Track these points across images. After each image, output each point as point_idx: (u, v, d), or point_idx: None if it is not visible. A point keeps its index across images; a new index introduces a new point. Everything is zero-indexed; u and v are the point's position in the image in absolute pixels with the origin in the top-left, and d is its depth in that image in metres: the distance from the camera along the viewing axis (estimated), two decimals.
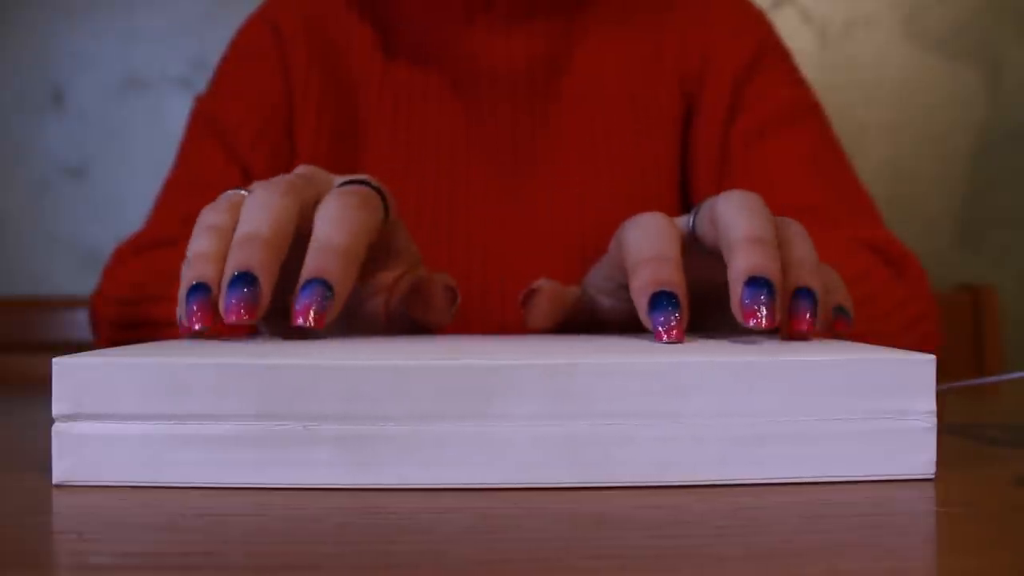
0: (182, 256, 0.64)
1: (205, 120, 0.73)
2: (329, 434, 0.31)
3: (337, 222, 0.39)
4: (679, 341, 0.36)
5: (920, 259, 0.67)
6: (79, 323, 1.05)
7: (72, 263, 1.19)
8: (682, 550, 0.25)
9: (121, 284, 0.63)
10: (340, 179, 0.43)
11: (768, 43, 0.73)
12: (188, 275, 0.37)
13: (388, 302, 0.46)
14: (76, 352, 0.34)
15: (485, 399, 0.31)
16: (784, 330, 0.37)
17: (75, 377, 0.31)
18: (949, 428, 0.42)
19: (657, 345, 0.36)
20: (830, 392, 0.32)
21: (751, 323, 0.36)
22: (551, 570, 0.23)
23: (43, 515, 0.29)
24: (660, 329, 0.36)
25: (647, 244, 0.39)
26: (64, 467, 0.31)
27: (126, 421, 0.31)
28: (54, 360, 0.32)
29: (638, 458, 0.31)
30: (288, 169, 0.71)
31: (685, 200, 0.72)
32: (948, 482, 0.32)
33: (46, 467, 0.32)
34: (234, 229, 0.39)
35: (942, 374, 0.34)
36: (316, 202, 0.41)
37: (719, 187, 0.70)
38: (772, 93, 0.71)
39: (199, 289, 0.36)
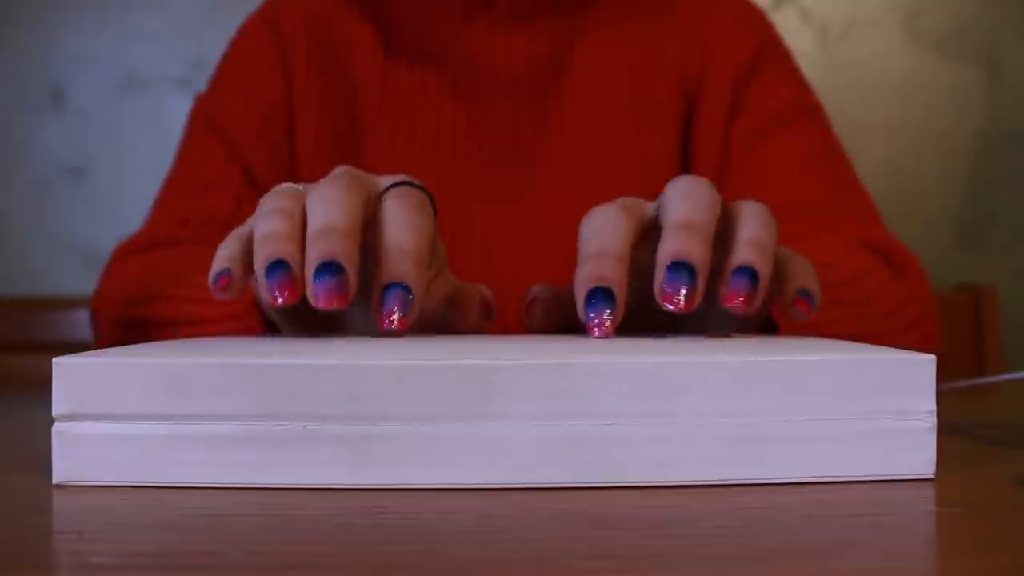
0: (183, 255, 0.64)
1: (205, 119, 0.73)
2: (329, 434, 0.31)
3: (405, 227, 0.39)
4: (609, 336, 0.37)
5: (920, 259, 0.67)
6: (79, 323, 1.05)
7: (72, 263, 1.19)
8: (681, 550, 0.25)
9: (122, 283, 0.63)
10: (386, 180, 0.43)
11: (769, 43, 0.73)
12: (262, 253, 0.37)
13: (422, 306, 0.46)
14: (76, 352, 0.34)
15: (485, 399, 0.31)
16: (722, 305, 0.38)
17: (75, 377, 0.31)
18: (949, 428, 0.42)
19: (656, 345, 0.36)
20: (830, 392, 0.32)
21: (668, 307, 0.37)
22: (550, 570, 0.23)
23: (43, 515, 0.29)
24: (592, 324, 0.37)
25: (594, 239, 0.39)
26: (64, 467, 0.31)
27: (126, 421, 0.31)
28: (54, 360, 0.32)
29: (637, 458, 0.31)
30: (289, 168, 0.71)
31: None
32: (948, 482, 0.32)
33: (46, 467, 0.32)
34: (301, 216, 0.39)
35: (942, 374, 0.34)
36: (368, 200, 0.41)
37: (720, 187, 0.70)
38: (773, 93, 0.71)
39: (278, 266, 0.37)
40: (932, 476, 0.32)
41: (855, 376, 0.32)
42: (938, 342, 0.65)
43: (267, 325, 0.52)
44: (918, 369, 0.32)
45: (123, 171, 1.19)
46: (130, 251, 0.68)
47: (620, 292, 0.37)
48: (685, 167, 0.73)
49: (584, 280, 0.38)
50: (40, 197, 1.19)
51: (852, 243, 0.64)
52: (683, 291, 0.36)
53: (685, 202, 0.39)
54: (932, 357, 0.32)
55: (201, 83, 0.77)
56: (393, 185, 0.43)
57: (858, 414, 0.32)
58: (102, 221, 1.18)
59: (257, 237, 0.38)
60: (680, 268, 0.36)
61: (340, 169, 0.43)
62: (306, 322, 0.47)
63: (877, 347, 0.36)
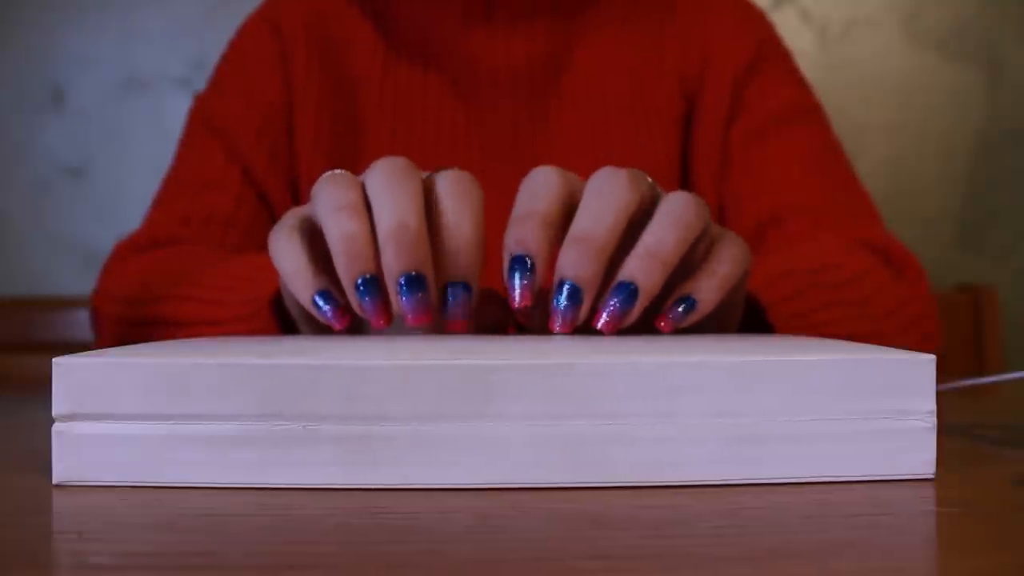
0: (186, 255, 0.64)
1: (204, 118, 0.73)
2: (329, 434, 0.31)
3: (464, 215, 0.38)
4: (526, 306, 0.37)
5: (920, 259, 0.67)
6: (79, 323, 1.05)
7: (72, 263, 1.19)
8: (681, 550, 0.25)
9: (126, 282, 0.63)
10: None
11: (768, 44, 0.74)
12: (349, 266, 0.37)
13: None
14: (76, 352, 0.34)
15: (485, 399, 0.31)
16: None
17: (75, 377, 0.31)
18: (949, 428, 0.42)
19: (656, 345, 0.36)
20: (830, 392, 0.32)
21: (554, 329, 0.37)
22: (550, 570, 0.23)
23: (43, 515, 0.29)
24: (512, 295, 0.37)
25: (520, 201, 0.39)
26: (64, 467, 0.31)
27: (126, 421, 0.31)
28: (54, 360, 0.32)
29: (637, 458, 0.31)
30: (289, 167, 0.71)
31: None
32: (948, 482, 0.32)
33: (46, 467, 0.32)
34: (364, 206, 0.38)
35: (942, 374, 0.34)
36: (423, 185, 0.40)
37: (720, 187, 0.70)
38: (772, 93, 0.71)
39: (372, 285, 0.36)
40: (932, 476, 0.32)
41: (855, 376, 0.32)
42: (938, 341, 0.65)
43: (281, 328, 0.52)
44: (918, 369, 0.32)
45: (123, 171, 1.19)
46: (130, 250, 0.68)
47: (540, 257, 0.37)
48: (685, 168, 0.73)
49: (506, 246, 0.38)
50: (40, 197, 1.19)
51: (852, 243, 0.64)
52: (561, 313, 0.36)
53: (591, 203, 0.38)
54: (932, 357, 0.32)
55: (202, 83, 0.77)
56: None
57: (858, 414, 0.32)
58: (102, 221, 1.18)
59: (335, 240, 0.37)
60: (561, 289, 0.36)
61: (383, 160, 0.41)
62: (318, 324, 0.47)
63: (877, 347, 0.36)
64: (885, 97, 1.20)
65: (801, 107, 0.72)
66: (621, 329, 0.38)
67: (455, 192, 0.39)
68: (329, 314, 0.38)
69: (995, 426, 0.44)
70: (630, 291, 0.37)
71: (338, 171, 0.41)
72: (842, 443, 0.32)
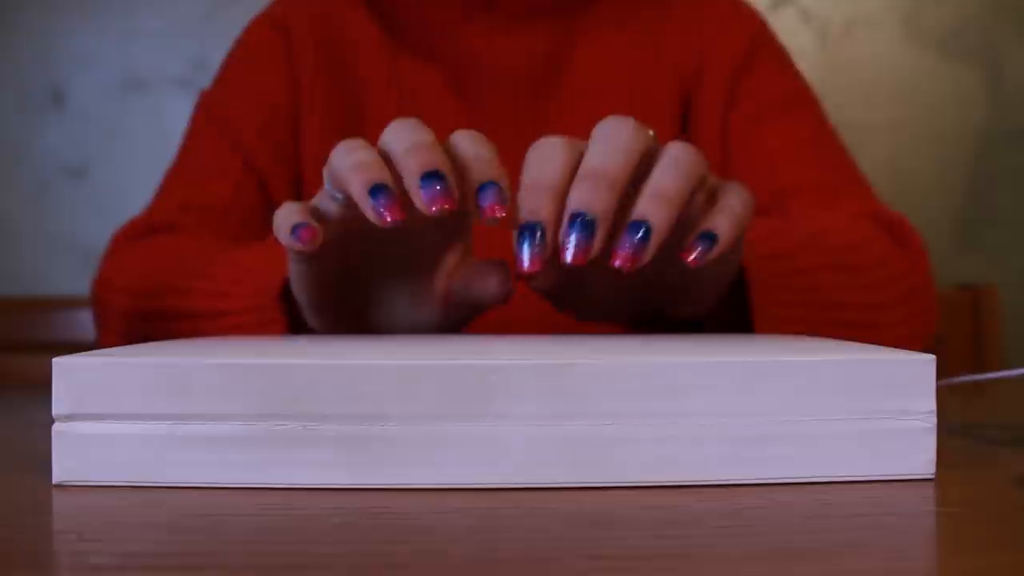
0: (190, 246, 0.64)
1: (208, 112, 0.74)
2: (329, 434, 0.31)
3: (479, 142, 0.40)
4: (536, 270, 0.38)
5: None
6: (79, 323, 1.05)
7: (72, 263, 1.19)
8: (682, 550, 0.25)
9: (126, 272, 0.64)
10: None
11: (762, 37, 0.76)
12: (361, 178, 0.38)
13: (449, 284, 0.47)
14: (76, 352, 0.34)
15: (485, 399, 0.31)
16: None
17: (75, 377, 0.31)
18: (949, 428, 0.42)
19: (656, 345, 0.36)
20: (830, 392, 0.32)
21: (564, 260, 0.38)
22: (551, 570, 0.23)
23: (43, 515, 0.29)
24: (520, 262, 0.38)
25: (529, 170, 0.40)
26: (64, 467, 0.31)
27: (126, 421, 0.31)
28: (54, 360, 0.32)
29: (638, 458, 0.31)
30: (295, 166, 0.72)
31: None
32: (948, 482, 0.32)
33: (46, 467, 0.32)
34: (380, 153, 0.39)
35: (942, 374, 0.34)
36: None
37: (723, 175, 0.71)
38: (769, 82, 0.73)
39: (381, 188, 0.37)
40: (932, 476, 0.32)
41: (855, 376, 0.32)
42: (936, 315, 0.66)
43: (288, 319, 0.52)
44: (918, 369, 0.32)
45: (123, 171, 1.19)
46: (130, 236, 0.69)
47: (550, 224, 0.38)
48: None
49: (520, 202, 0.39)
50: (40, 197, 1.19)
51: (857, 216, 0.65)
52: (573, 244, 0.37)
53: (599, 146, 0.39)
54: (932, 357, 0.32)
55: (202, 83, 0.78)
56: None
57: (858, 414, 0.32)
58: (102, 221, 1.18)
59: (345, 169, 0.38)
60: (574, 222, 0.37)
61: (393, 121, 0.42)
62: (338, 315, 0.48)
63: (877, 347, 0.36)
64: (885, 97, 1.20)
65: (797, 95, 0.74)
66: (624, 330, 0.39)
67: (471, 135, 0.40)
68: (383, 203, 0.38)
69: (995, 426, 0.44)
70: (645, 229, 0.38)
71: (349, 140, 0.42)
72: (843, 443, 0.32)
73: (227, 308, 0.55)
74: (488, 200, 0.38)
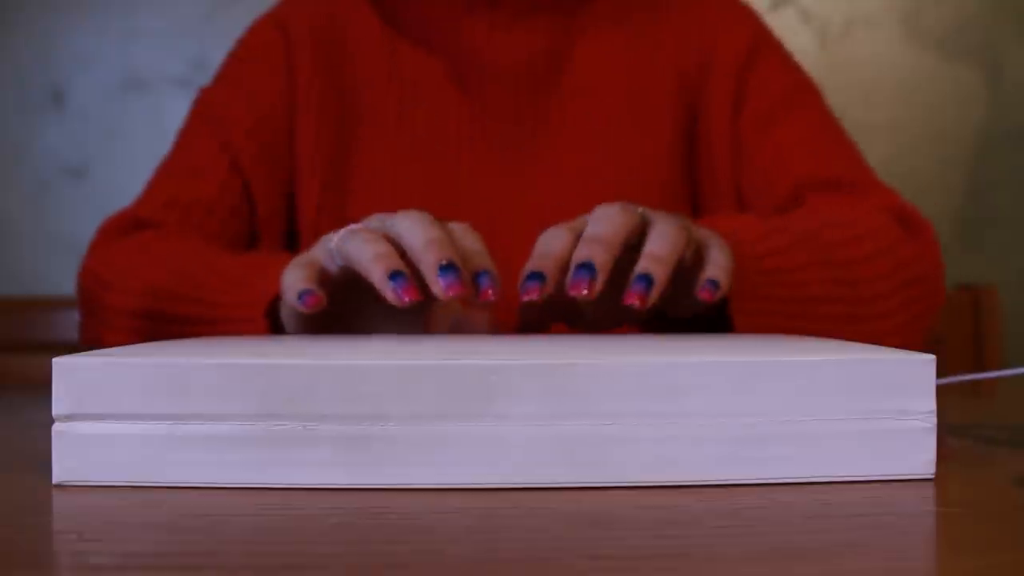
0: (182, 249, 0.66)
1: (203, 109, 0.74)
2: (329, 434, 0.31)
3: (471, 234, 0.49)
4: (534, 298, 0.45)
5: None
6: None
7: (72, 263, 1.18)
8: (681, 550, 0.25)
9: (108, 266, 0.65)
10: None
11: (761, 34, 0.77)
12: (381, 267, 0.44)
13: (435, 319, 0.54)
14: (76, 352, 0.34)
15: (485, 399, 0.31)
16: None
17: (75, 377, 0.31)
18: (949, 428, 0.42)
19: (656, 345, 0.36)
20: (830, 392, 0.32)
21: (574, 295, 0.45)
22: (551, 570, 0.23)
23: (43, 515, 0.29)
24: (523, 294, 0.45)
25: (536, 250, 0.48)
26: (64, 467, 0.31)
27: (126, 421, 0.31)
28: (54, 360, 0.32)
29: (637, 458, 0.31)
30: (282, 166, 0.73)
31: (695, 191, 0.74)
32: (948, 482, 0.32)
33: (46, 467, 0.32)
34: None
35: (942, 373, 0.34)
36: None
37: (738, 174, 0.73)
38: (774, 79, 0.74)
39: (398, 275, 0.44)
40: (932, 476, 0.32)
41: (855, 376, 0.32)
42: (941, 301, 0.68)
43: (274, 328, 0.54)
44: (918, 369, 0.32)
45: (123, 171, 1.19)
46: (115, 229, 0.70)
47: (550, 276, 0.46)
48: (687, 158, 0.74)
49: (523, 272, 0.47)
50: (40, 197, 1.19)
51: (871, 207, 0.66)
52: (585, 284, 0.45)
53: (596, 223, 0.47)
54: (932, 357, 0.32)
55: (202, 84, 0.78)
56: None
57: (858, 414, 0.32)
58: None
59: (366, 260, 0.45)
60: (581, 268, 0.45)
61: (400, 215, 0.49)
62: (327, 327, 0.51)
63: (877, 347, 0.36)
64: (885, 97, 1.20)
65: (802, 89, 0.75)
66: (625, 330, 0.39)
67: (464, 228, 0.49)
68: (401, 287, 0.44)
69: (995, 426, 0.44)
70: (648, 280, 0.45)
71: (357, 225, 0.48)
72: (843, 443, 0.32)
73: (213, 316, 0.57)
74: (484, 285, 0.46)
